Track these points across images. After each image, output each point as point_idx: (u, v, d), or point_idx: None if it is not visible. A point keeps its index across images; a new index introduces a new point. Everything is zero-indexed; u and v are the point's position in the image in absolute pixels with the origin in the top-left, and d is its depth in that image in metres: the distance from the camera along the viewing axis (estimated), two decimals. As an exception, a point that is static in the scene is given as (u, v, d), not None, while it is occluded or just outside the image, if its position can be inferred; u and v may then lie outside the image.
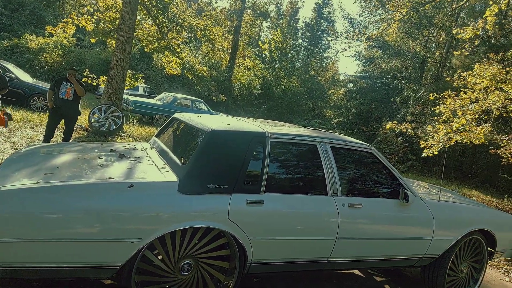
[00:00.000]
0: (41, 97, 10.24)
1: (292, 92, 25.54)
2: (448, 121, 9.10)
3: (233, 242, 2.49)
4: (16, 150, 3.53)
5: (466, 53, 10.01)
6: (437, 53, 19.51)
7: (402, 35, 20.35)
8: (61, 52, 19.21)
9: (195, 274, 2.51)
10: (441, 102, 9.43)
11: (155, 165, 2.74)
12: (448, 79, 11.53)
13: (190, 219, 2.32)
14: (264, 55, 29.90)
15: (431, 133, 9.40)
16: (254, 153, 2.58)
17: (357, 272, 3.84)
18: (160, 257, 2.41)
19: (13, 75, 10.11)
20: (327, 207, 2.76)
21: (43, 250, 2.03)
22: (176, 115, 3.58)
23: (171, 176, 2.45)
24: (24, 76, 10.94)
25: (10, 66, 10.86)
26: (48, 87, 6.19)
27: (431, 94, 10.03)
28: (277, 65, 27.60)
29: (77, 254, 2.10)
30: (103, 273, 2.22)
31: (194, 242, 2.44)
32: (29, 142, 6.58)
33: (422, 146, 9.38)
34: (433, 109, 10.76)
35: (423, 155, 9.34)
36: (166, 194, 2.31)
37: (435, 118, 10.32)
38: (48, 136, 6.09)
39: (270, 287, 3.18)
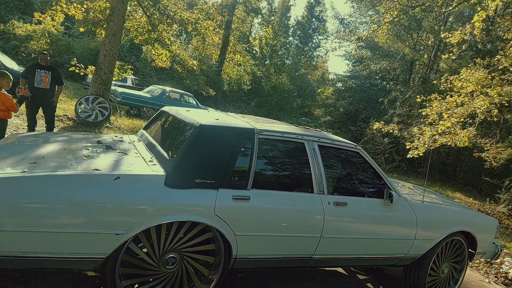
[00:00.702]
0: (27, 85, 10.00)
1: (281, 89, 25.56)
2: (434, 123, 9.26)
3: (218, 237, 2.50)
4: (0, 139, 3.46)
5: (454, 57, 10.18)
6: (425, 56, 19.82)
7: (392, 37, 20.59)
8: (48, 40, 18.82)
9: (179, 268, 2.52)
10: (427, 105, 9.58)
11: (142, 158, 2.72)
12: (435, 82, 11.71)
13: (176, 213, 2.32)
14: (254, 51, 29.81)
15: (417, 135, 9.56)
16: (242, 149, 2.59)
17: (340, 270, 3.90)
18: (145, 250, 2.40)
19: (-2, 62, 9.87)
20: (312, 205, 2.79)
21: (26, 240, 2.01)
22: (165, 108, 3.56)
23: (158, 170, 2.45)
24: (10, 63, 10.69)
25: (-5, 52, 10.59)
26: (21, 76, 5.88)
27: (418, 96, 10.19)
28: (267, 61, 27.55)
29: (60, 245, 2.08)
30: (86, 264, 2.21)
31: (179, 236, 2.44)
32: (14, 131, 6.44)
33: (408, 147, 9.53)
34: (419, 111, 10.92)
35: (409, 156, 9.50)
36: (152, 187, 2.30)
37: (422, 120, 10.48)
38: (31, 126, 5.95)
39: (254, 282, 3.21)
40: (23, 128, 6.68)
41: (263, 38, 27.09)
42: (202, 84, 18.31)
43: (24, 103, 5.83)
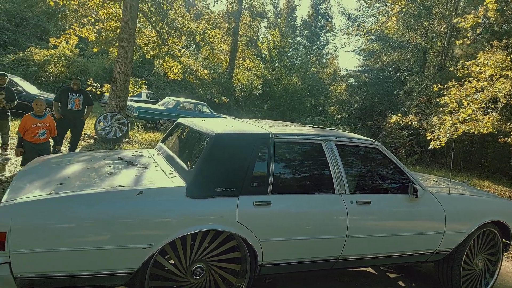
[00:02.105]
0: (48, 108, 10.32)
1: (293, 90, 25.49)
2: (454, 111, 9.02)
3: (243, 244, 2.51)
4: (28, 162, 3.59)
5: (469, 42, 9.93)
6: (439, 43, 19.38)
7: (402, 27, 20.25)
8: (65, 63, 19.41)
9: (207, 278, 2.53)
10: (445, 93, 9.35)
11: (163, 170, 2.77)
12: (451, 69, 11.44)
13: (199, 223, 2.34)
14: (263, 55, 29.90)
15: (437, 125, 9.32)
16: (259, 155, 2.60)
17: (369, 269, 3.83)
18: (172, 261, 2.43)
19: (20, 88, 10.22)
20: (335, 206, 2.77)
21: (59, 259, 2.07)
22: (181, 120, 3.60)
23: (178, 181, 2.48)
24: (31, 89, 11.05)
25: (17, 79, 10.99)
26: (53, 99, 6.30)
27: (435, 85, 9.96)
28: (277, 64, 27.57)
29: (91, 262, 2.14)
30: (117, 280, 2.25)
31: (204, 245, 2.46)
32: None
33: (428, 138, 9.31)
34: (437, 100, 10.67)
35: (430, 147, 9.27)
36: (174, 199, 2.33)
37: (441, 109, 10.23)
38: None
39: (282, 287, 3.19)
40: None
41: (271, 41, 27.15)
42: (215, 92, 18.47)
43: (56, 123, 6.17)
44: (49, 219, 2.06)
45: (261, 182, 2.56)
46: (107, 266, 2.18)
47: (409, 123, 11.01)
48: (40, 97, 4.28)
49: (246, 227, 2.44)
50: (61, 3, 9.96)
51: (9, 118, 6.28)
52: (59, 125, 6.17)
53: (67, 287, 2.18)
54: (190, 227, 2.31)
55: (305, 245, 2.66)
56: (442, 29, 17.38)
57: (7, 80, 6.16)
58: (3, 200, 2.15)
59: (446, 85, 9.38)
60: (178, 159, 2.86)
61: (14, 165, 5.68)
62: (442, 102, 9.42)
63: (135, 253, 2.21)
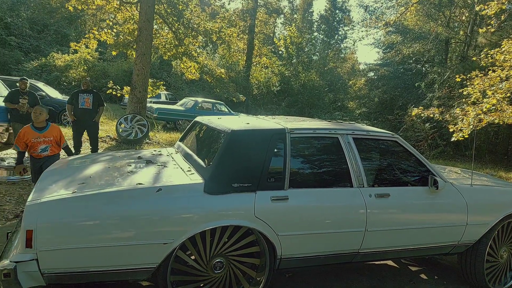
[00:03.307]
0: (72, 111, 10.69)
1: (311, 86, 25.31)
2: (477, 102, 8.76)
3: (261, 238, 2.53)
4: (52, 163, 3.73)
5: (493, 30, 9.60)
6: (461, 32, 18.80)
7: (422, 18, 19.75)
8: (85, 67, 19.96)
9: (227, 272, 2.57)
10: (468, 83, 9.08)
11: (181, 168, 2.82)
12: (474, 58, 11.10)
13: (218, 218, 2.38)
14: (280, 52, 29.79)
15: (460, 116, 9.07)
16: (275, 150, 2.61)
17: (390, 262, 3.79)
18: (192, 257, 2.48)
19: (43, 93, 10.60)
20: (353, 199, 2.75)
21: (83, 255, 2.15)
22: (198, 118, 3.66)
23: (196, 178, 2.52)
24: (53, 93, 11.44)
25: (40, 84, 11.40)
26: (67, 102, 6.50)
27: (457, 76, 9.68)
28: (294, 60, 27.43)
29: (114, 257, 2.21)
30: (140, 275, 2.32)
31: (223, 240, 2.50)
32: (63, 155, 6.87)
33: (451, 130, 9.08)
34: (460, 91, 10.38)
35: (453, 139, 9.03)
36: (193, 195, 2.38)
37: (463, 100, 9.95)
38: (77, 147, 6.43)
39: (302, 282, 3.20)
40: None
41: (287, 38, 27.02)
42: (232, 91, 18.59)
43: (71, 126, 6.47)
44: (73, 217, 2.14)
45: (278, 177, 2.57)
46: (129, 261, 2.25)
47: (431, 115, 10.74)
48: (40, 106, 3.99)
49: (264, 222, 2.46)
50: (79, 8, 10.24)
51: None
52: (73, 128, 6.39)
53: (92, 282, 2.26)
54: (208, 222, 2.35)
55: (323, 239, 2.66)
56: (464, 18, 16.86)
57: (28, 84, 6.38)
58: (28, 200, 2.24)
59: (469, 75, 9.10)
60: (196, 157, 2.90)
61: (41, 167, 5.90)
62: (465, 93, 9.16)
63: (156, 248, 2.27)
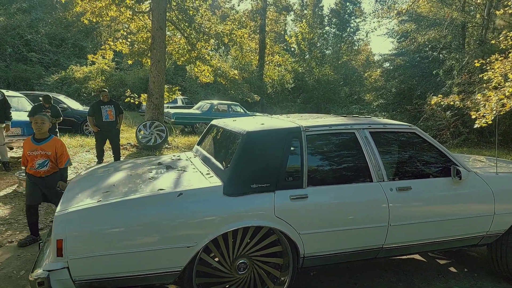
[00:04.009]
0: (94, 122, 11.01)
1: (326, 81, 25.08)
2: (499, 86, 8.49)
3: (283, 238, 2.54)
4: (77, 174, 3.85)
5: (511, 11, 9.27)
6: (478, 16, 18.21)
7: (436, 4, 19.24)
8: (103, 77, 20.45)
9: (251, 272, 2.60)
10: (489, 68, 8.82)
11: (200, 172, 2.86)
12: (493, 41, 10.73)
13: (239, 219, 2.41)
14: (292, 49, 29.65)
15: (482, 102, 8.82)
16: (292, 149, 2.62)
17: (417, 256, 3.72)
18: (216, 258, 2.52)
19: (65, 105, 10.96)
20: (374, 194, 2.73)
21: (112, 262, 2.22)
22: (213, 122, 3.70)
23: (215, 181, 2.56)
24: (75, 105, 11.80)
25: (62, 97, 11.79)
26: (87, 115, 6.70)
27: (476, 61, 9.42)
28: (307, 56, 27.26)
29: (141, 263, 2.27)
30: (166, 278, 2.38)
31: (246, 241, 2.53)
32: (87, 164, 7.08)
33: (473, 117, 8.84)
34: (480, 76, 10.08)
35: (476, 126, 8.79)
36: (213, 198, 2.41)
37: (484, 85, 9.67)
38: (100, 156, 6.63)
39: (327, 279, 3.20)
40: (95, 161, 7.31)
41: (299, 34, 26.88)
42: (246, 91, 18.64)
43: (95, 136, 6.68)
44: (99, 225, 2.22)
45: (296, 176, 2.58)
46: (155, 265, 2.31)
47: (452, 103, 10.48)
48: (41, 114, 3.61)
49: (285, 221, 2.48)
50: (94, 20, 10.50)
51: (58, 135, 6.74)
52: (97, 138, 6.59)
53: (121, 287, 2.33)
54: (229, 224, 2.38)
55: (345, 235, 2.65)
56: (479, 0, 16.34)
57: (51, 101, 6.61)
58: (57, 210, 2.34)
59: (488, 59, 8.83)
60: (213, 160, 2.94)
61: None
62: (485, 77, 8.90)
63: (180, 252, 2.31)
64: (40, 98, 6.95)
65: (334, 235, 2.62)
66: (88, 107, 9.20)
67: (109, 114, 6.48)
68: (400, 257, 3.62)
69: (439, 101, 10.08)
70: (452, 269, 3.53)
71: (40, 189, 3.51)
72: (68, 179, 5.68)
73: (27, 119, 6.54)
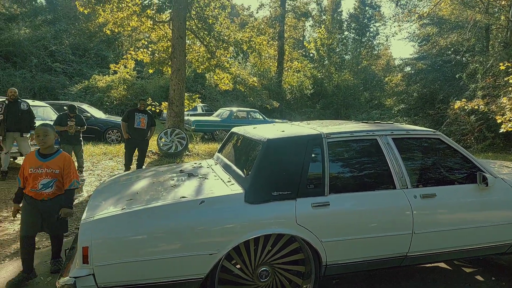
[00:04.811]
0: (115, 130, 11.31)
1: (345, 87, 24.87)
2: (526, 89, 8.24)
3: (305, 246, 2.53)
4: (101, 182, 3.94)
5: (537, 12, 8.99)
6: (502, 18, 17.70)
7: (458, 6, 18.83)
8: (125, 86, 20.94)
9: (273, 280, 2.59)
10: (514, 70, 8.57)
11: (221, 179, 2.89)
12: (519, 43, 10.44)
13: (260, 227, 2.41)
14: (311, 55, 29.58)
15: (508, 106, 8.58)
16: (313, 156, 2.61)
17: (442, 264, 3.62)
18: (238, 266, 2.53)
19: (89, 114, 11.29)
20: (397, 201, 2.69)
21: (136, 269, 2.26)
22: (234, 129, 3.73)
23: (237, 189, 2.58)
24: (98, 114, 12.14)
25: (85, 106, 12.15)
26: (121, 120, 6.82)
27: (501, 64, 9.17)
28: (326, 62, 27.12)
29: (164, 270, 2.30)
30: (188, 285, 2.39)
31: (267, 249, 2.53)
32: (110, 172, 7.25)
33: (499, 121, 8.60)
34: (506, 79, 9.79)
35: (501, 130, 8.55)
36: (234, 206, 2.43)
37: (510, 88, 9.37)
38: (128, 165, 6.75)
39: (350, 287, 3.15)
40: (118, 169, 7.48)
41: (317, 40, 26.80)
42: (265, 98, 18.68)
43: (124, 143, 6.81)
44: (124, 232, 2.26)
45: (317, 183, 2.57)
46: (178, 273, 2.33)
47: (476, 107, 10.22)
48: (43, 125, 3.03)
49: (306, 229, 2.46)
50: (116, 31, 10.80)
51: (82, 143, 6.92)
52: (126, 146, 6.70)
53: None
54: (251, 232, 2.39)
55: (368, 243, 2.61)
56: (504, 2, 15.89)
57: (76, 110, 6.82)
58: (82, 218, 2.40)
59: (514, 61, 8.58)
60: (234, 167, 2.96)
61: (90, 185, 6.26)
62: (511, 81, 8.64)
63: (202, 259, 2.33)
64: (65, 108, 7.19)
65: (357, 243, 2.58)
66: (110, 116, 9.42)
67: (141, 121, 6.62)
68: (425, 265, 3.53)
69: (463, 105, 9.85)
70: (479, 277, 3.41)
71: (40, 215, 2.96)
72: (83, 188, 5.76)
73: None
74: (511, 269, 3.60)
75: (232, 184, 2.70)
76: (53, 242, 3.23)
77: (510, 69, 8.79)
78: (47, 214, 2.96)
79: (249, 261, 2.50)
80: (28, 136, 6.36)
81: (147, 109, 9.26)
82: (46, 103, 9.85)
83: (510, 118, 8.17)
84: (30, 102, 6.85)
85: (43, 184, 2.93)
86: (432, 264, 3.55)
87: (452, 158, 3.04)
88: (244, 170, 2.74)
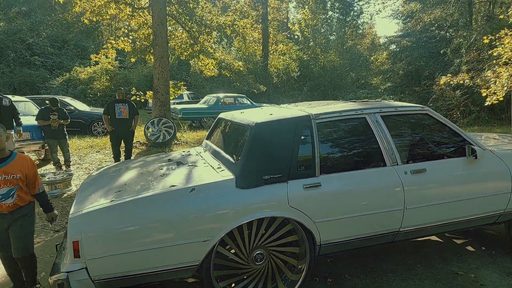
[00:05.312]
0: (100, 123, 11.09)
1: (332, 67, 24.80)
2: (509, 62, 8.32)
3: (298, 227, 2.53)
4: (89, 175, 3.87)
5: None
6: (484, -10, 17.76)
7: (441, -19, 18.81)
8: (108, 77, 20.51)
9: (269, 262, 2.59)
10: (498, 43, 8.63)
11: (211, 166, 2.85)
12: (502, 16, 10.50)
13: (253, 211, 2.39)
14: (296, 36, 29.33)
15: (492, 79, 8.69)
16: (302, 138, 2.59)
17: (433, 237, 3.69)
18: (233, 251, 2.52)
19: (72, 107, 11.04)
20: (388, 178, 2.70)
21: (129, 260, 2.22)
22: (221, 115, 3.67)
23: (227, 174, 2.54)
24: (82, 106, 11.88)
25: (68, 99, 11.87)
26: (103, 113, 6.65)
27: (485, 37, 9.23)
28: (311, 43, 26.95)
29: (159, 259, 2.27)
30: (184, 273, 2.38)
31: (261, 232, 2.52)
32: (98, 165, 7.14)
33: (484, 94, 8.72)
34: (490, 52, 9.89)
35: (487, 103, 8.69)
36: (225, 191, 2.40)
37: (494, 61, 9.47)
38: (116, 156, 6.63)
39: (344, 265, 3.18)
40: (106, 162, 7.36)
41: (302, 21, 26.54)
42: (252, 82, 18.54)
43: (109, 136, 6.64)
44: (114, 224, 2.22)
45: (308, 165, 2.55)
46: (173, 261, 2.31)
47: (461, 82, 10.34)
48: None
49: (299, 211, 2.46)
50: (94, 20, 10.48)
51: (67, 137, 6.76)
52: (111, 139, 6.56)
53: (140, 284, 2.34)
54: (244, 216, 2.37)
55: (361, 221, 2.62)
56: (486, -26, 15.89)
57: (58, 103, 6.63)
58: (70, 212, 2.35)
59: (497, 35, 8.64)
60: (224, 153, 2.92)
61: (78, 179, 6.15)
62: (495, 54, 8.72)
63: (196, 246, 2.31)
64: (47, 102, 7.00)
65: (350, 221, 2.59)
66: (94, 108, 9.21)
67: (122, 111, 6.44)
68: (417, 239, 3.59)
69: (448, 80, 9.94)
70: (470, 248, 3.50)
71: (6, 231, 2.54)
72: (72, 182, 5.63)
73: (35, 123, 6.59)
74: (500, 238, 3.68)
75: (222, 170, 2.66)
76: (23, 267, 2.66)
77: (494, 43, 8.85)
78: (12, 230, 2.53)
79: (243, 245, 2.49)
80: (12, 132, 6.19)
81: (132, 99, 9.08)
82: (27, 98, 9.58)
83: (495, 91, 8.27)
84: (10, 97, 6.64)
85: (2, 194, 2.44)
86: (424, 238, 3.61)
87: (440, 133, 3.05)
88: (234, 155, 2.70)
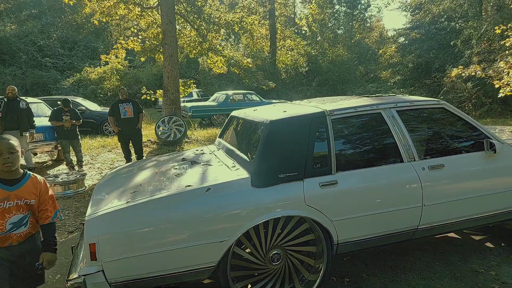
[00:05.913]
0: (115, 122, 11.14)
1: (340, 62, 24.60)
2: (523, 52, 8.15)
3: (315, 226, 2.49)
4: (102, 175, 3.88)
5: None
6: (496, -21, 17.36)
7: (451, -29, 18.46)
8: (118, 77, 20.67)
9: (285, 262, 2.57)
10: (510, 33, 8.45)
11: (225, 165, 2.83)
12: (514, 5, 10.27)
13: (269, 210, 2.36)
14: (304, 32, 29.12)
15: (505, 70, 8.50)
16: (317, 135, 2.55)
17: (452, 234, 3.62)
18: (249, 251, 2.50)
19: (83, 107, 11.14)
20: (405, 174, 2.64)
21: (146, 262, 2.22)
22: (234, 113, 3.65)
23: (242, 173, 2.52)
24: (93, 106, 11.98)
25: (79, 99, 11.98)
26: (108, 115, 6.68)
27: (496, 27, 9.04)
28: (319, 38, 26.75)
29: (175, 260, 2.26)
30: (201, 274, 2.37)
31: (277, 232, 2.49)
32: (111, 164, 7.19)
33: (497, 86, 8.56)
34: (502, 43, 9.67)
35: (500, 95, 8.52)
36: (241, 191, 2.38)
37: (506, 52, 9.27)
38: (127, 156, 6.67)
39: (361, 263, 3.15)
40: (118, 161, 7.41)
41: (309, 16, 26.34)
42: (261, 79, 18.46)
43: (117, 137, 6.68)
44: (130, 226, 2.21)
45: (324, 162, 2.51)
46: (189, 262, 2.30)
47: (473, 73, 10.15)
48: (4, 137, 1.98)
49: (316, 209, 2.42)
50: (104, 20, 10.54)
51: (79, 137, 6.82)
52: (119, 139, 6.60)
53: (158, 286, 2.34)
54: (260, 216, 2.35)
55: (379, 219, 2.58)
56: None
57: (70, 104, 6.69)
58: (87, 214, 2.34)
59: (509, 24, 8.46)
60: (238, 152, 2.90)
61: (91, 179, 6.21)
62: (507, 44, 8.54)
63: (213, 247, 2.30)
64: (59, 102, 7.06)
65: (368, 219, 2.55)
66: (105, 107, 9.26)
67: (127, 110, 6.46)
68: (435, 236, 3.53)
69: (460, 72, 9.77)
70: (489, 244, 3.42)
71: (8, 268, 2.03)
72: (85, 182, 5.62)
73: (48, 124, 6.66)
74: (521, 233, 3.60)
75: (237, 169, 2.64)
76: None
77: (506, 33, 8.67)
78: (17, 266, 2.05)
79: (260, 245, 2.47)
80: (27, 135, 6.26)
81: (142, 98, 9.11)
82: (39, 99, 9.69)
83: (508, 82, 8.10)
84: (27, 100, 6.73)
85: (14, 223, 2.00)
86: (442, 235, 3.54)
87: (457, 127, 2.98)
88: (248, 154, 2.67)
